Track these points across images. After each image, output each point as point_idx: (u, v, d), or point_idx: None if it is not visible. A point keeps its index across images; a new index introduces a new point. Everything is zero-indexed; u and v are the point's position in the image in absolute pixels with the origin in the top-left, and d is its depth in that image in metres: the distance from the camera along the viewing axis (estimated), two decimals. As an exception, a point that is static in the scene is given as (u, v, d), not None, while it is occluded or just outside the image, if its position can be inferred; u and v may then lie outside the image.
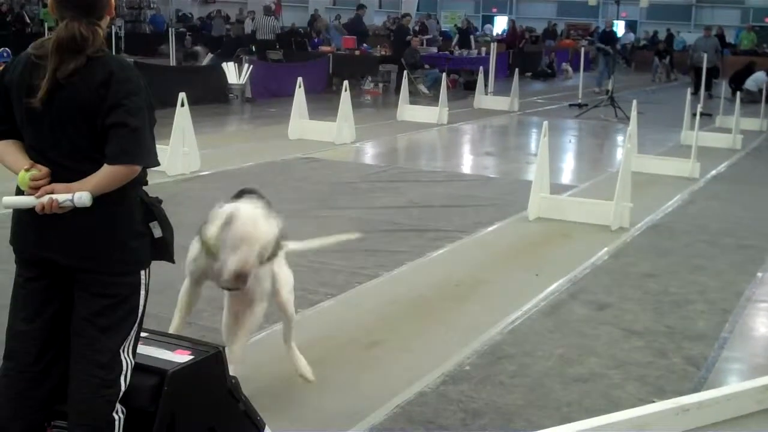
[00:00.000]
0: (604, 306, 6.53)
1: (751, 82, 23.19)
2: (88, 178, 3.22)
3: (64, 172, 3.25)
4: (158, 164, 3.38)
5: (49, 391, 3.46)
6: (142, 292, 3.43)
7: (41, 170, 3.24)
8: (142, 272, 3.42)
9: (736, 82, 23.36)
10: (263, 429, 3.95)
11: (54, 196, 3.19)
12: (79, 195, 3.18)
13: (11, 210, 3.40)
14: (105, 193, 3.23)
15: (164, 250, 3.47)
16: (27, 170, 3.24)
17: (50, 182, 3.24)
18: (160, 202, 3.51)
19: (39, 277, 3.40)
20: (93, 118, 3.22)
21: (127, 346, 3.38)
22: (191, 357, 3.61)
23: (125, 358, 3.38)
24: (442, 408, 4.70)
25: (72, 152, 3.27)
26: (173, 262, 3.55)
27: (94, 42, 3.23)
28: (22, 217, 3.36)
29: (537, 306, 6.45)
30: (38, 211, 3.21)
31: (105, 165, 3.21)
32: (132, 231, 3.35)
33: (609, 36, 24.87)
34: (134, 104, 3.25)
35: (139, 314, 3.43)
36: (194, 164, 10.92)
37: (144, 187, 3.47)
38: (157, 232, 3.42)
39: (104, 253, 3.30)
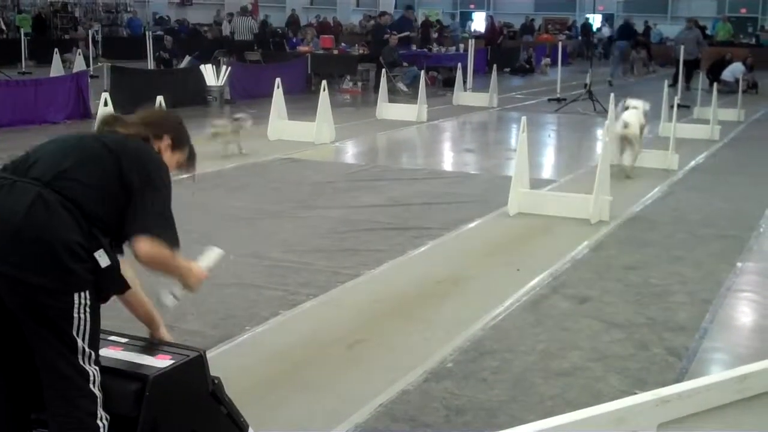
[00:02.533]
0: (585, 299, 6.55)
1: (728, 73, 23.42)
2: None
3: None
4: None
5: (25, 400, 3.43)
6: (81, 313, 3.25)
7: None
8: (76, 294, 3.23)
9: (714, 74, 23.56)
10: (247, 430, 3.95)
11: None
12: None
13: None
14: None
15: (110, 279, 3.32)
16: None
17: None
18: None
19: None
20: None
21: (82, 356, 3.28)
22: (172, 361, 3.59)
23: (88, 368, 3.30)
24: (426, 405, 4.71)
25: None
26: (121, 292, 3.48)
27: None
28: None
29: (519, 301, 6.47)
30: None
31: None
32: (73, 260, 3.19)
33: (628, 30, 25.16)
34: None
35: (85, 326, 3.27)
36: (174, 167, 10.86)
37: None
38: (103, 262, 3.26)
39: (43, 283, 3.16)
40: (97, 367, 3.36)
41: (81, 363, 3.30)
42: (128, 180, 3.35)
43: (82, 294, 3.25)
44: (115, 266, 3.32)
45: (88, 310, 3.28)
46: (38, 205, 3.17)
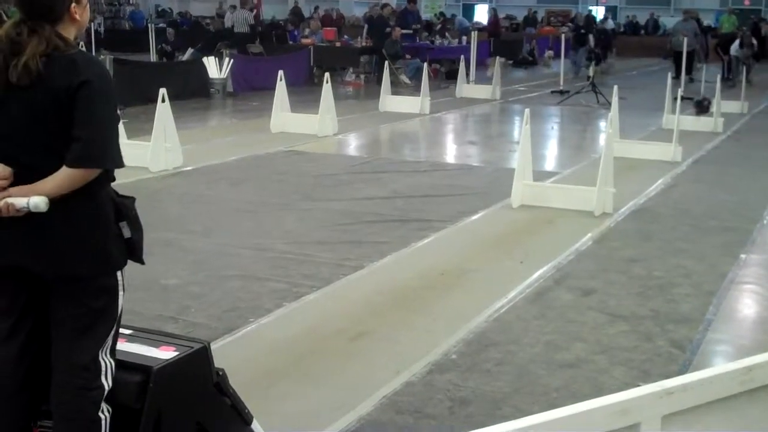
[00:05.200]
0: (589, 291, 6.55)
1: (735, 48, 23.79)
2: (45, 180, 3.13)
3: (26, 172, 3.17)
4: (123, 165, 3.29)
5: (33, 391, 3.43)
6: (120, 292, 3.36)
7: (4, 170, 3.16)
8: (118, 273, 3.34)
9: (723, 49, 24.65)
10: (251, 422, 3.95)
11: (10, 200, 3.11)
12: (34, 202, 3.09)
13: None
14: (74, 194, 3.16)
15: (133, 250, 3.38)
16: None
17: (13, 184, 3.16)
18: (133, 200, 3.43)
19: (10, 292, 3.33)
20: (58, 115, 3.14)
21: (105, 347, 3.34)
22: (176, 353, 3.59)
23: (104, 359, 3.34)
24: (430, 397, 4.71)
25: (35, 152, 3.20)
26: (142, 263, 3.45)
27: (37, 45, 3.14)
28: None
29: (522, 293, 6.46)
30: None
31: (64, 167, 3.13)
32: (104, 232, 3.26)
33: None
34: (102, 102, 3.18)
35: (117, 315, 3.37)
36: (177, 160, 10.88)
37: (126, 185, 3.43)
38: (126, 233, 3.32)
39: (77, 256, 3.23)
40: (112, 360, 3.38)
41: (101, 355, 3.32)
42: None
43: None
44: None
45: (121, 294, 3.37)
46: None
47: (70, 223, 3.20)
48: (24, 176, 3.17)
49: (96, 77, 3.18)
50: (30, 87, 3.14)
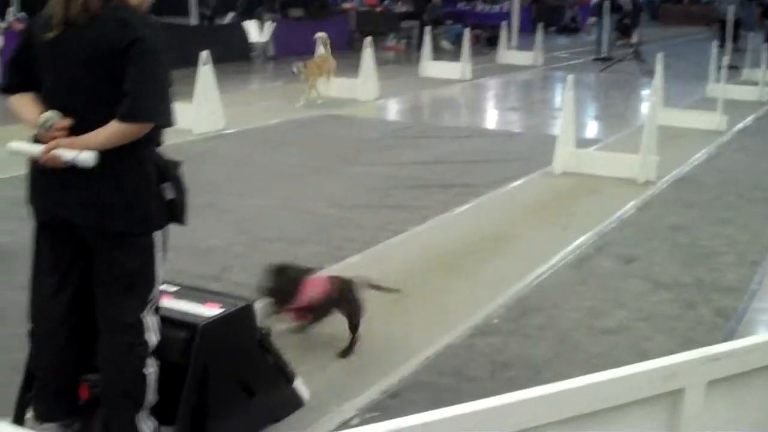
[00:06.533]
0: (631, 259, 6.51)
1: None
2: (94, 133, 3.17)
3: (77, 123, 3.21)
4: (172, 124, 3.32)
5: (80, 346, 3.49)
6: (158, 253, 3.39)
7: (63, 121, 3.20)
8: (157, 233, 3.37)
9: None
10: (294, 380, 3.99)
11: (59, 152, 3.16)
12: (83, 157, 3.13)
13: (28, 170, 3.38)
14: (119, 153, 3.19)
15: (175, 212, 3.41)
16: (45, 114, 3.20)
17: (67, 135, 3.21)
18: (178, 164, 3.46)
19: (60, 242, 3.39)
20: (109, 68, 3.17)
21: (149, 306, 3.39)
22: (222, 310, 3.64)
23: (148, 317, 3.39)
24: (471, 360, 4.72)
25: (87, 101, 3.23)
26: (184, 224, 3.47)
27: None
28: (37, 176, 3.33)
29: (564, 259, 6.44)
30: (42, 162, 3.20)
31: (113, 121, 3.16)
32: (145, 192, 3.30)
33: None
34: (154, 61, 3.21)
35: (157, 274, 3.40)
36: (219, 123, 10.94)
37: (169, 147, 3.46)
38: (169, 194, 3.36)
39: (117, 213, 3.27)
40: (157, 316, 3.42)
41: (145, 312, 3.37)
42: None
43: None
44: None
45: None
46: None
47: (113, 180, 3.24)
48: (74, 127, 3.21)
49: (149, 36, 3.21)
50: (85, 28, 3.18)
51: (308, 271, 4.74)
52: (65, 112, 3.23)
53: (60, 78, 3.25)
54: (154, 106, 3.22)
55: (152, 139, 3.33)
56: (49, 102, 3.28)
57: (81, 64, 3.20)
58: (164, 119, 3.28)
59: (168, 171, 3.38)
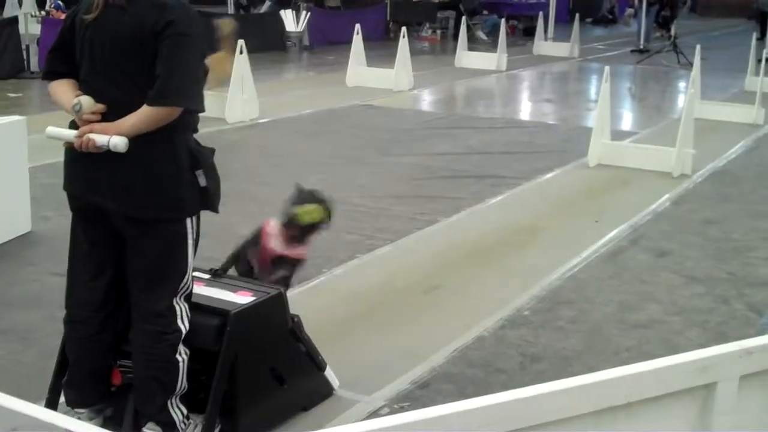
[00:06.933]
0: (664, 253, 6.47)
1: None
2: (126, 118, 3.19)
3: (110, 107, 3.23)
4: (203, 110, 3.34)
5: (114, 333, 3.53)
6: (190, 241, 3.40)
7: (97, 106, 3.23)
8: (189, 220, 3.37)
9: None
10: (324, 369, 4.01)
11: (92, 136, 3.18)
12: (114, 141, 3.15)
13: (65, 157, 3.41)
14: (151, 138, 3.21)
15: (208, 199, 3.41)
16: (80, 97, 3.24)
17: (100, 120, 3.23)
18: (213, 151, 3.46)
19: (95, 229, 3.41)
20: (143, 50, 3.19)
21: (180, 293, 3.41)
22: (253, 298, 3.65)
23: (179, 304, 3.41)
24: (501, 352, 4.72)
25: (122, 84, 3.25)
26: (216, 211, 3.49)
27: None
28: (72, 162, 3.36)
29: (597, 252, 6.41)
30: (76, 146, 3.22)
31: (144, 105, 3.18)
32: (178, 178, 3.30)
33: None
34: (186, 44, 3.23)
35: (189, 262, 3.42)
36: (253, 112, 10.97)
37: (203, 135, 3.47)
38: (202, 181, 3.36)
39: (149, 199, 3.29)
40: (187, 303, 3.44)
41: (176, 300, 3.39)
42: None
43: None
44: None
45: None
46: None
47: (145, 165, 3.26)
48: (107, 112, 3.24)
49: (183, 20, 3.23)
50: (124, 10, 3.22)
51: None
52: (100, 95, 3.26)
53: (96, 61, 3.28)
54: (183, 89, 3.23)
55: (186, 124, 3.34)
56: (84, 86, 3.32)
57: (116, 45, 3.23)
58: (192, 103, 3.29)
59: (202, 158, 3.39)
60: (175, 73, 3.20)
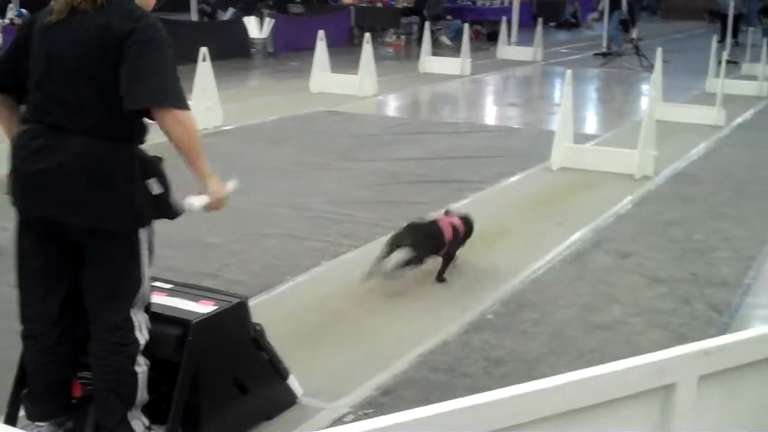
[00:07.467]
0: (627, 254, 6.51)
1: None
2: (191, 164, 3.32)
3: (72, 114, 3.20)
4: (188, 108, 3.33)
5: (73, 345, 3.49)
6: (144, 251, 3.37)
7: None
8: (142, 231, 3.35)
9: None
10: (288, 377, 4.00)
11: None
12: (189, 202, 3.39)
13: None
14: (104, 149, 3.20)
15: (162, 207, 3.40)
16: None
17: (58, 126, 3.21)
18: (161, 159, 3.45)
19: (49, 243, 3.37)
20: (107, 56, 3.17)
21: (137, 303, 3.38)
22: (215, 307, 3.63)
23: (137, 315, 3.38)
24: (465, 356, 4.72)
25: (82, 89, 3.20)
26: (173, 218, 3.47)
27: None
28: (23, 176, 3.30)
29: (560, 255, 6.44)
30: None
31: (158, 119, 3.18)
32: (131, 187, 3.27)
33: None
34: (157, 48, 3.23)
35: (144, 272, 3.38)
36: (217, 119, 10.92)
37: (163, 143, 3.45)
38: (155, 189, 3.34)
39: (103, 210, 3.25)
40: (146, 315, 3.41)
41: (133, 311, 3.36)
42: None
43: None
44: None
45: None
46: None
47: (99, 177, 3.22)
48: (70, 119, 3.21)
49: (150, 26, 3.23)
50: (89, 15, 3.20)
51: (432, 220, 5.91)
52: (54, 100, 3.23)
53: (53, 64, 3.24)
54: (166, 90, 3.22)
55: (136, 136, 3.33)
56: (38, 90, 3.28)
57: (79, 50, 3.20)
58: (178, 102, 3.27)
59: (152, 166, 3.37)
60: (149, 76, 3.19)
